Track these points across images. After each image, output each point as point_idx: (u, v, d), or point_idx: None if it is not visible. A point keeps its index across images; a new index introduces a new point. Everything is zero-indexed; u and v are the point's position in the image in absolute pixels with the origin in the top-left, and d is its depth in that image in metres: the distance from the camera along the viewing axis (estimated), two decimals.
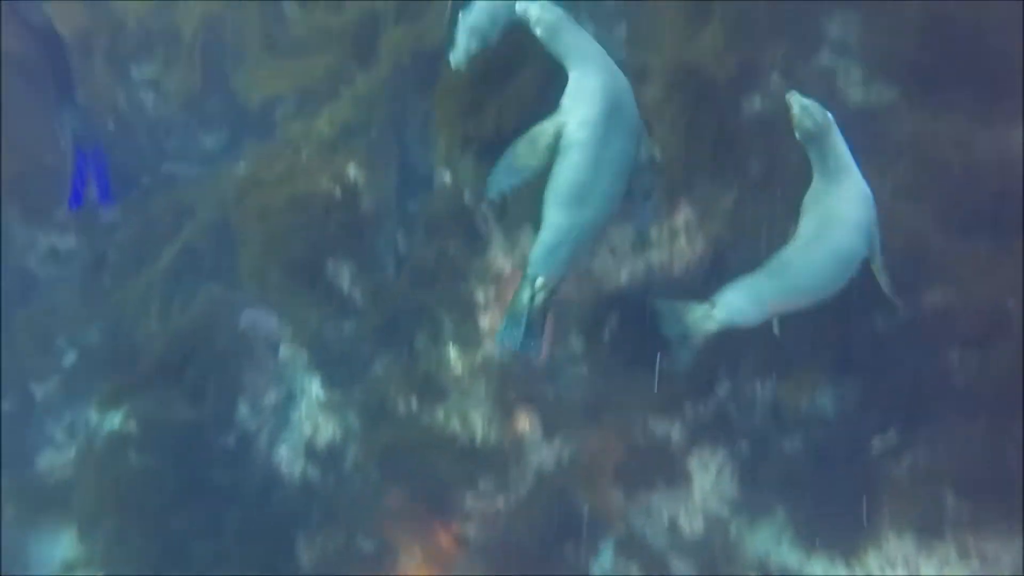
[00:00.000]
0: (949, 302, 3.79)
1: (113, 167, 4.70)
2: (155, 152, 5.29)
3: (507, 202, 3.82)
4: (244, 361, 4.61)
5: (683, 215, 3.69)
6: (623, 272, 3.73)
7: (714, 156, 3.67)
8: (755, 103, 3.98)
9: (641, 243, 3.64)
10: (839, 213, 3.30)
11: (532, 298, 3.11)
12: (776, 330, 3.42)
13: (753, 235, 3.74)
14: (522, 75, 3.64)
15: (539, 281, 3.12)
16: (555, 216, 3.12)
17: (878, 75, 3.99)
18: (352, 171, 4.15)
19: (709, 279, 3.66)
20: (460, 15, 3.49)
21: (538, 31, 3.26)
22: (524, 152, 3.12)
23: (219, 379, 4.61)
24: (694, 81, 3.80)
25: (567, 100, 3.20)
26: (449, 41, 3.56)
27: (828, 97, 3.85)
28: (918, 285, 3.77)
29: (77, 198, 4.51)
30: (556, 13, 3.26)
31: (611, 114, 3.15)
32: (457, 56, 3.43)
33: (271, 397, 4.74)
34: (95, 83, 5.02)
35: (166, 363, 4.58)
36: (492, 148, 3.61)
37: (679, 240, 3.66)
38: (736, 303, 3.25)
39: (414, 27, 4.29)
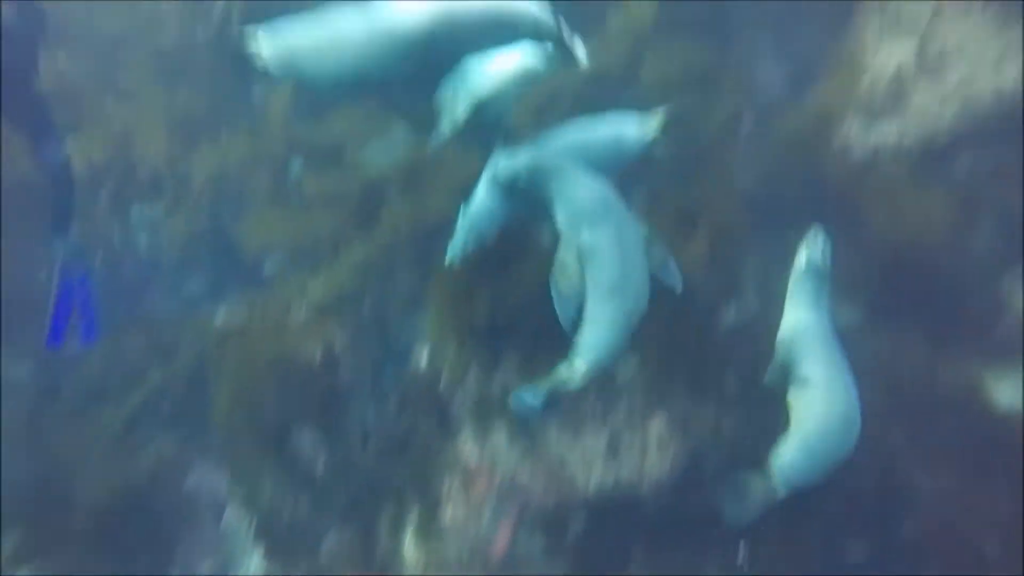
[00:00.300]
0: (923, 534, 3.74)
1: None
2: (137, 290, 5.26)
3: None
4: (186, 524, 4.29)
5: (656, 428, 3.67)
6: (592, 477, 3.65)
7: (692, 370, 3.73)
8: (731, 315, 4.12)
9: (613, 451, 3.58)
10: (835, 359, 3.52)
11: (567, 380, 3.15)
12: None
13: (728, 448, 3.72)
14: (520, 265, 3.75)
15: (582, 366, 3.15)
16: (598, 310, 3.20)
17: (843, 299, 4.19)
18: (338, 340, 4.14)
19: (681, 490, 3.59)
20: (461, 207, 3.65)
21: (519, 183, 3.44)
22: (563, 284, 3.22)
23: (155, 541, 4.26)
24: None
25: (566, 224, 3.32)
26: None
27: None
28: (893, 516, 3.73)
29: (57, 336, 4.15)
30: (523, 163, 3.42)
31: (611, 215, 3.31)
32: (454, 251, 3.55)
33: (207, 565, 4.38)
34: (95, 219, 5.09)
35: (101, 518, 4.24)
36: (484, 334, 3.68)
37: (650, 452, 3.62)
38: (794, 465, 3.35)
39: (417, 200, 4.48)
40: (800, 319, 3.60)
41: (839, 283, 4.15)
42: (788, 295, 3.67)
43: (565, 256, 3.24)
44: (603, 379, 3.48)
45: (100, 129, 5.23)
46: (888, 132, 4.12)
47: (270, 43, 2.96)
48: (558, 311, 3.19)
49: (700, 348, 3.79)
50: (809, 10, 4.66)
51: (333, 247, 4.59)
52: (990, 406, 3.94)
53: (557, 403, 3.21)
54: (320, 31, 2.96)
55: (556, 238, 3.37)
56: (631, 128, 3.75)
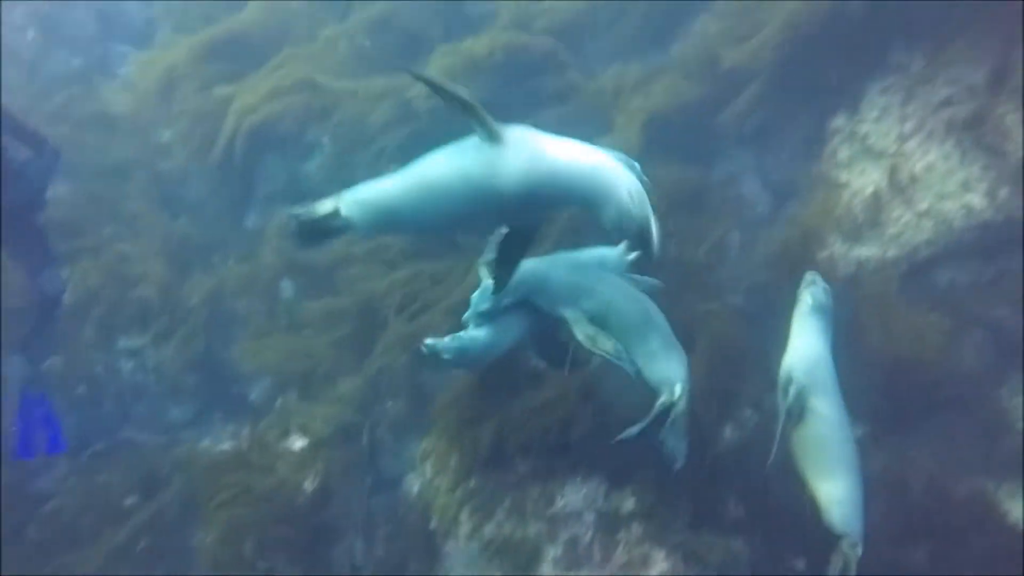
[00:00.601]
0: None
1: (67, 430, 4.49)
2: (118, 418, 5.09)
3: None
4: None
5: (659, 566, 3.50)
6: None
7: (693, 496, 3.62)
8: (728, 433, 4.05)
9: None
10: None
11: (673, 402, 3.38)
12: None
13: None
14: (525, 395, 3.73)
15: (679, 389, 3.41)
16: (671, 351, 3.52)
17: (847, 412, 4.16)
18: (327, 473, 3.98)
19: None
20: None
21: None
22: (603, 344, 3.44)
23: None
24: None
25: (570, 309, 3.50)
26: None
27: None
28: None
29: (26, 448, 4.33)
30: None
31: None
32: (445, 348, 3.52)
33: None
34: (79, 347, 4.99)
35: None
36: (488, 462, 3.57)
37: None
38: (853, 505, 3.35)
39: (412, 326, 4.48)
40: (809, 350, 3.57)
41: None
42: (794, 330, 3.66)
43: (583, 330, 3.44)
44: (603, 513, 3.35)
45: (97, 257, 5.25)
46: (870, 248, 4.25)
47: (358, 204, 3.01)
48: (623, 366, 3.43)
49: (700, 471, 3.69)
50: (783, 134, 4.98)
51: (326, 374, 4.53)
52: (1005, 521, 3.83)
53: (670, 425, 3.36)
54: (414, 191, 2.97)
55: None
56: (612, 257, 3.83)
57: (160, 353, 5.04)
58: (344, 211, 3.00)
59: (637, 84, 5.13)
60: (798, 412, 3.43)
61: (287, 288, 5.49)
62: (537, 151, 2.80)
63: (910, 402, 4.05)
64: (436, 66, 5.33)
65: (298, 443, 4.18)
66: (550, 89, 5.33)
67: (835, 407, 3.47)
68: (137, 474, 4.79)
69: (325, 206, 3.02)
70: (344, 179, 5.51)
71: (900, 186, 4.18)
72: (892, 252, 4.15)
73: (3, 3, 5.08)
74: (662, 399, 3.38)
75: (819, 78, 4.67)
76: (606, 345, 3.42)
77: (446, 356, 3.47)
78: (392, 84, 5.46)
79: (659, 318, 3.58)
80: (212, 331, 5.13)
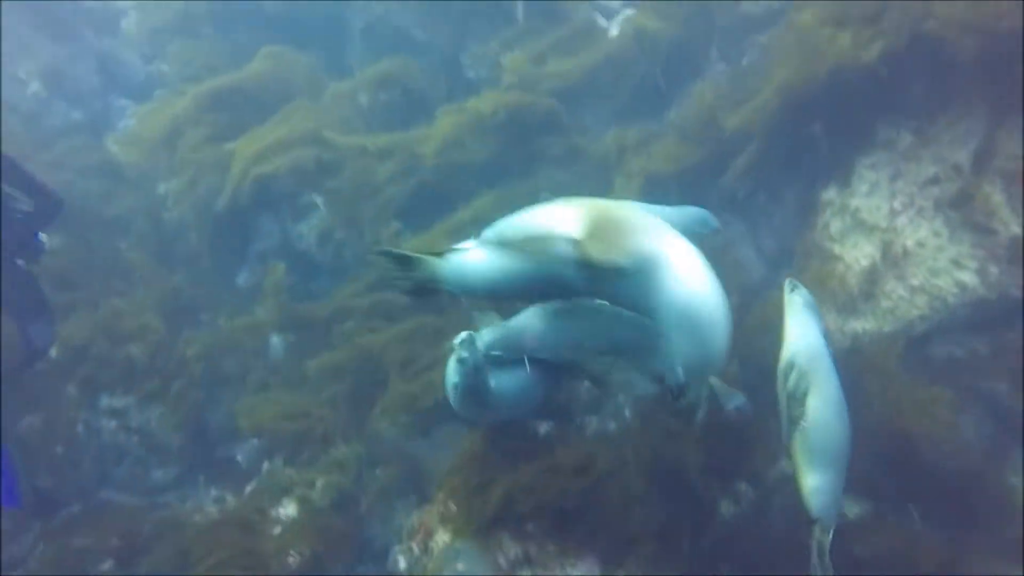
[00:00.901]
0: None
1: (38, 489, 4.35)
2: (97, 479, 4.92)
3: None
4: None
5: None
6: None
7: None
8: (725, 508, 3.98)
9: None
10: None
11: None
12: None
13: None
14: (529, 461, 3.66)
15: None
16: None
17: (848, 490, 4.09)
18: (318, 546, 3.85)
19: None
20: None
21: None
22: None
23: None
24: (673, 481, 3.85)
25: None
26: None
27: (792, 506, 3.93)
28: None
29: None
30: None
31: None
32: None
33: None
34: (61, 405, 4.86)
35: None
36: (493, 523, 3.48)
37: None
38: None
39: (412, 386, 4.42)
40: (807, 340, 3.61)
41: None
42: (789, 325, 3.70)
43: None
44: None
45: (89, 311, 5.17)
46: (865, 322, 4.28)
47: (452, 263, 3.25)
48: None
49: (698, 548, 3.61)
50: (775, 203, 5.07)
51: (320, 436, 4.43)
52: None
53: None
54: (502, 265, 3.21)
55: None
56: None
57: (145, 413, 4.90)
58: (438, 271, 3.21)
59: (636, 146, 5.25)
60: (801, 397, 3.49)
61: (277, 347, 5.44)
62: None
63: (916, 478, 4.00)
64: (443, 124, 5.43)
65: (285, 511, 4.04)
66: (553, 150, 5.43)
67: (834, 395, 3.54)
68: (113, 539, 4.59)
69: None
70: (339, 239, 5.65)
71: (893, 261, 4.24)
72: (888, 327, 4.18)
73: (3, 58, 5.12)
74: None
75: (810, 149, 4.79)
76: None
77: (491, 352, 3.46)
78: (398, 139, 5.56)
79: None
80: (199, 391, 5.02)
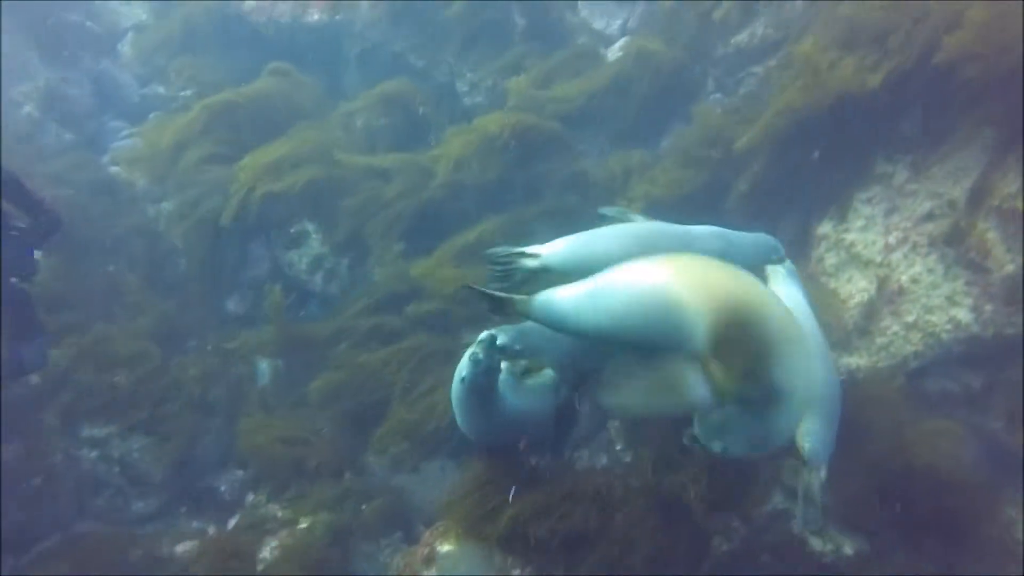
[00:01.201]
0: None
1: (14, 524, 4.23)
2: (74, 511, 4.78)
3: None
4: None
5: None
6: None
7: None
8: (722, 546, 3.90)
9: None
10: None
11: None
12: None
13: None
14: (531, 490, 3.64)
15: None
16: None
17: (847, 526, 4.02)
18: None
19: None
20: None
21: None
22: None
23: None
24: (669, 509, 3.79)
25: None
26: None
27: (785, 544, 3.87)
28: None
29: None
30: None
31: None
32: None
33: None
34: (40, 433, 4.75)
35: None
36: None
37: None
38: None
39: (413, 412, 4.36)
40: (793, 302, 3.64)
41: (840, 512, 4.02)
42: (770, 282, 3.81)
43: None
44: None
45: (78, 335, 5.07)
46: (861, 357, 4.24)
47: (544, 301, 3.13)
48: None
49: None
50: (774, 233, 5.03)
51: (311, 468, 4.33)
52: None
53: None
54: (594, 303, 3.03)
55: None
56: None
57: (127, 443, 4.79)
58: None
59: (640, 170, 5.28)
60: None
61: (265, 373, 5.36)
62: None
63: (917, 512, 3.92)
64: (453, 144, 5.44)
65: (269, 547, 3.92)
66: (557, 174, 5.43)
67: (821, 347, 3.60)
68: (90, 572, 4.44)
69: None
70: (329, 267, 5.60)
71: (888, 297, 4.20)
72: (883, 362, 4.13)
73: (2, 79, 5.09)
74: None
75: (808, 179, 4.78)
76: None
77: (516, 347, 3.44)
78: (406, 159, 5.58)
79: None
80: (187, 420, 4.91)
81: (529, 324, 3.52)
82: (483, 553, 3.61)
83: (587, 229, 4.90)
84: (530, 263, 3.34)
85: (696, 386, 2.76)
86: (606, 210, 3.72)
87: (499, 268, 3.37)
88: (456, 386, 3.54)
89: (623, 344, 2.98)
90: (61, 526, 4.73)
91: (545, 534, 3.59)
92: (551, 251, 3.35)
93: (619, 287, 2.88)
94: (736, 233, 3.67)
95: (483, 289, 3.17)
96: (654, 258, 2.90)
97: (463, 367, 3.48)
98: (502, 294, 3.16)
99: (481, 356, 3.39)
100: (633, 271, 2.89)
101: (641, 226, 3.56)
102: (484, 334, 3.46)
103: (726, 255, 3.33)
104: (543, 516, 3.64)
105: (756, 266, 3.73)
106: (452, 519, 3.73)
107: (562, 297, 3.05)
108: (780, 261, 3.79)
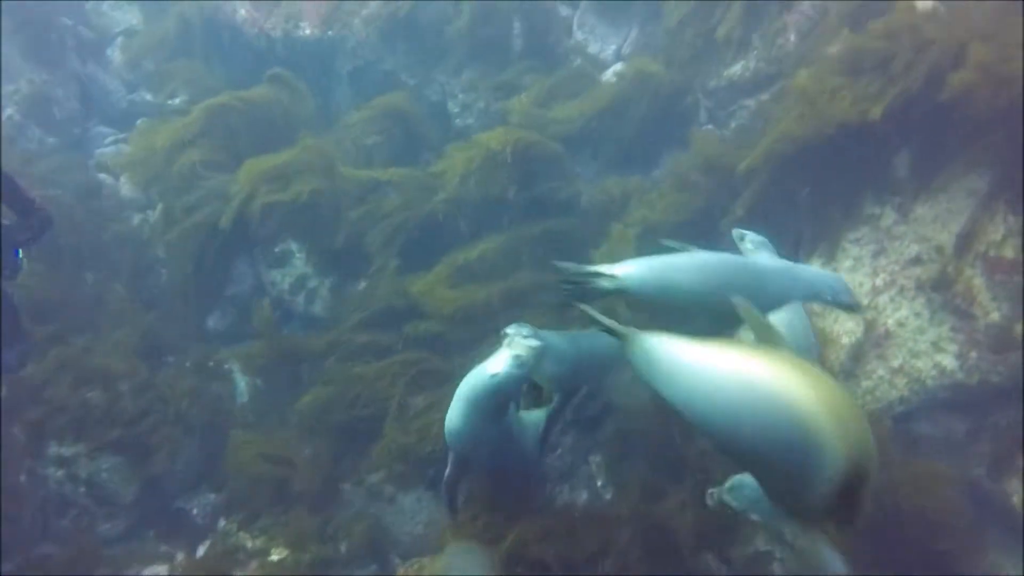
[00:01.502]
0: None
1: None
2: (39, 532, 4.63)
3: None
4: None
5: None
6: None
7: None
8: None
9: None
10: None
11: None
12: None
13: None
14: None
15: None
16: None
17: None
18: None
19: None
20: None
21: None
22: None
23: None
24: (659, 535, 3.77)
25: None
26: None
27: None
28: None
29: None
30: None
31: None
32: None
33: None
34: (4, 450, 4.60)
35: None
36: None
37: None
38: None
39: (409, 429, 4.28)
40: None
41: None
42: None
43: None
44: None
45: (56, 347, 4.92)
46: None
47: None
48: None
49: None
50: None
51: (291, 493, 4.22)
52: None
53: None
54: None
55: None
56: None
57: (96, 462, 4.64)
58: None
59: (637, 194, 5.26)
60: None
61: (243, 392, 5.25)
62: None
63: (905, 557, 3.89)
64: (456, 159, 5.37)
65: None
66: (556, 195, 5.39)
67: (802, 322, 3.52)
68: None
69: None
70: (312, 287, 5.52)
71: (875, 340, 4.20)
72: (870, 406, 4.11)
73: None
74: None
75: (799, 217, 4.77)
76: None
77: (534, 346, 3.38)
78: (404, 172, 5.53)
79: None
80: (159, 439, 4.77)
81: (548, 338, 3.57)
82: None
83: (585, 253, 4.92)
84: (607, 284, 3.30)
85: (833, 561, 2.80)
86: (670, 243, 3.68)
87: (575, 287, 3.31)
88: (479, 382, 3.38)
89: (731, 448, 2.48)
90: (23, 547, 4.57)
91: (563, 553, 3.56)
92: (625, 273, 3.33)
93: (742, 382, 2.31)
94: (803, 268, 3.64)
95: (599, 316, 2.91)
96: (773, 352, 2.38)
97: (498, 363, 3.35)
98: (618, 326, 2.82)
99: (525, 359, 3.28)
100: (758, 366, 2.31)
101: (712, 257, 3.48)
102: (533, 341, 3.37)
103: (792, 292, 3.38)
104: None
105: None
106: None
107: (680, 360, 2.54)
108: (855, 309, 3.59)
